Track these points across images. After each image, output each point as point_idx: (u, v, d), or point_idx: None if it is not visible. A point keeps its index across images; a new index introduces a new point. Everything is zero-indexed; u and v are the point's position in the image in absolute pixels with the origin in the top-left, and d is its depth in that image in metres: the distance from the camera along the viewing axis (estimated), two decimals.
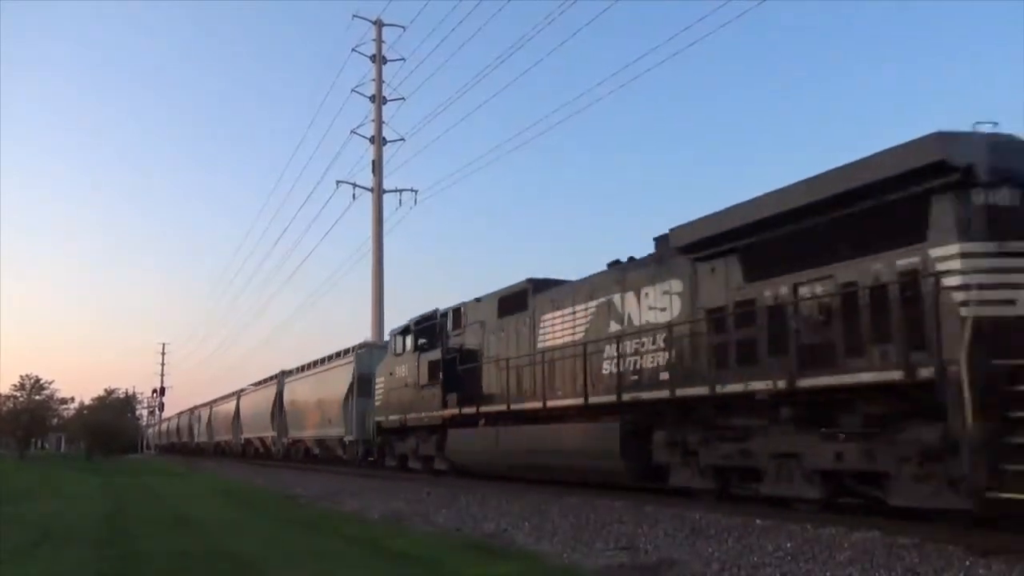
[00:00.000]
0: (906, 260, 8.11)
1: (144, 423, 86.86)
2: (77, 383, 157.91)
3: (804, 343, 8.97)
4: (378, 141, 37.32)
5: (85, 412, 59.02)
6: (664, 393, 10.86)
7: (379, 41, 37.78)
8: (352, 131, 37.57)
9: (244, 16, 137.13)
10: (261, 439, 35.24)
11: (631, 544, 7.70)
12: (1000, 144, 7.90)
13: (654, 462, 11.44)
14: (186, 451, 61.16)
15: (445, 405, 17.09)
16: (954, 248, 7.67)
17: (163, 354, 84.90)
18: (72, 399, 57.83)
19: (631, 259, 12.95)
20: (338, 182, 37.09)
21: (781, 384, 8.91)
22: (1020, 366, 7.08)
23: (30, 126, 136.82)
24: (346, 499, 14.32)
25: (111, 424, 55.31)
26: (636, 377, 11.84)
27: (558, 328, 14.19)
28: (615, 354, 12.26)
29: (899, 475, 7.94)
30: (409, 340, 19.53)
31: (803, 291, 9.23)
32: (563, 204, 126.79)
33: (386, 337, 23.38)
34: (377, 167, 37.35)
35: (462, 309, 18.04)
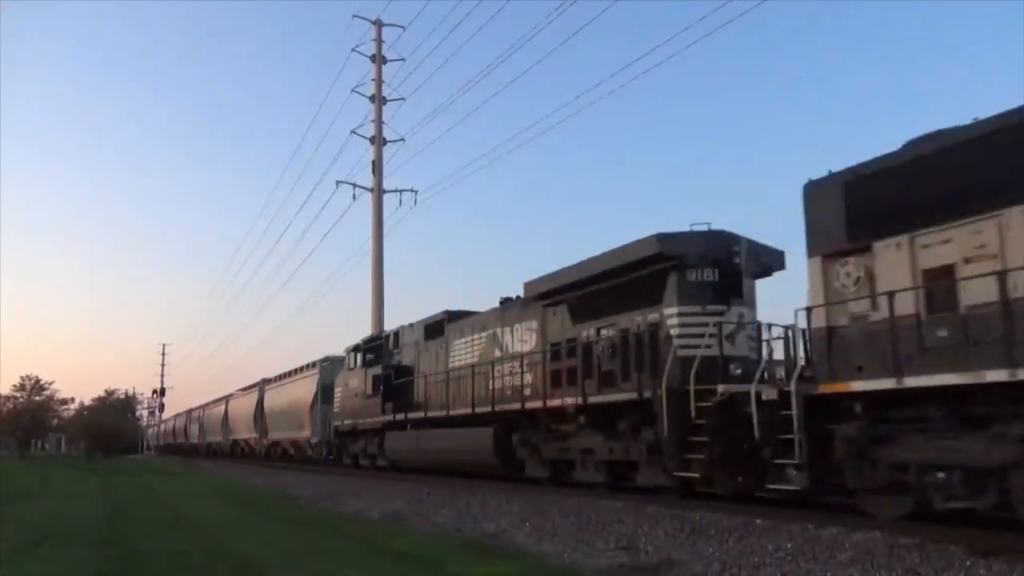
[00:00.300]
0: (652, 316, 11.91)
1: (144, 424, 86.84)
2: (77, 384, 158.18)
3: (604, 370, 12.62)
4: (378, 141, 37.31)
5: (85, 413, 59.03)
6: (517, 405, 14.50)
7: (379, 41, 37.76)
8: (352, 131, 37.55)
9: (244, 16, 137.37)
10: (246, 440, 38.06)
11: (631, 544, 7.70)
12: (704, 237, 11.49)
13: (516, 457, 14.89)
14: (181, 451, 61.58)
15: (384, 412, 20.18)
16: (674, 310, 11.55)
17: (163, 355, 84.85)
18: (72, 400, 57.92)
19: (512, 299, 16.25)
20: (338, 182, 37.06)
21: (580, 400, 12.72)
22: (705, 389, 10.32)
23: (30, 126, 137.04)
24: (346, 499, 14.31)
25: (111, 425, 55.35)
26: (509, 392, 15.14)
27: (461, 352, 17.66)
28: (493, 375, 15.69)
29: (642, 463, 11.68)
30: (359, 357, 22.62)
31: (603, 333, 12.96)
32: (563, 204, 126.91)
33: (333, 352, 26.83)
34: (377, 167, 37.32)
35: (400, 332, 21.33)
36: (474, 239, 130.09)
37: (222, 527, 10.67)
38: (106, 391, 73.81)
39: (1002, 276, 7.19)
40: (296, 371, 31.11)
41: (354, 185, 36.99)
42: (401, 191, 37.08)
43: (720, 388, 10.14)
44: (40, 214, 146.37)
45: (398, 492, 14.86)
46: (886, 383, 8.02)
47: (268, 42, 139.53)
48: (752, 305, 11.79)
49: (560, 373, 13.72)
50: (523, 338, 15.31)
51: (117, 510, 13.76)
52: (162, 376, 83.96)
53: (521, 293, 15.59)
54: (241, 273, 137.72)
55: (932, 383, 7.70)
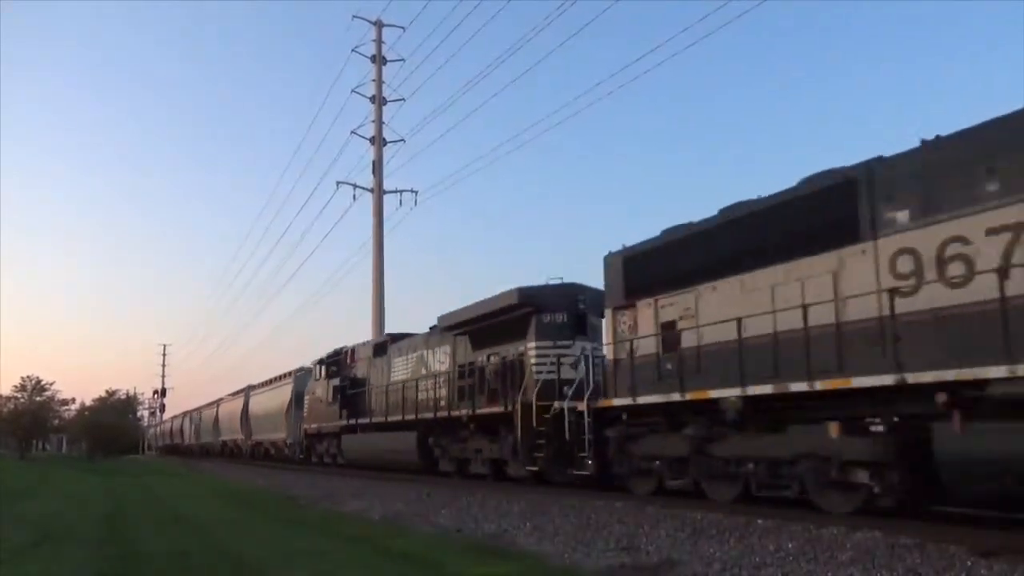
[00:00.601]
0: (520, 347, 15.28)
1: (145, 424, 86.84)
2: (78, 384, 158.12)
3: (491, 387, 15.90)
4: (378, 142, 37.30)
5: (86, 413, 59.03)
6: (431, 415, 18.04)
7: (379, 42, 37.75)
8: (352, 132, 37.55)
9: (244, 17, 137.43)
10: (234, 441, 41.00)
11: (632, 545, 7.69)
12: (555, 289, 14.96)
13: (433, 456, 18.54)
14: (179, 452, 62.05)
15: (341, 417, 23.58)
16: (533, 344, 14.96)
17: (164, 355, 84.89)
18: (73, 400, 57.90)
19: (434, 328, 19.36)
20: (338, 183, 37.06)
21: (470, 411, 16.37)
22: (547, 404, 13.72)
23: (30, 126, 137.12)
24: (346, 500, 14.32)
25: (112, 425, 55.38)
26: (429, 404, 18.44)
27: (399, 369, 21.08)
28: (418, 389, 19.22)
29: (509, 460, 15.40)
30: (323, 369, 26.03)
31: (493, 359, 16.14)
32: (564, 204, 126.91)
33: (308, 363, 29.59)
34: (377, 168, 37.31)
35: (355, 349, 24.67)
36: (474, 239, 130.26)
37: (222, 527, 10.67)
38: (107, 392, 73.86)
39: (697, 330, 10.93)
40: (275, 379, 34.12)
41: (354, 186, 36.98)
42: (401, 191, 37.08)
43: (556, 404, 13.56)
44: (40, 214, 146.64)
45: (398, 493, 14.86)
46: (627, 400, 11.96)
47: (268, 43, 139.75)
48: (597, 339, 14.31)
49: (463, 389, 17.07)
50: (440, 360, 18.77)
51: (117, 510, 13.77)
52: (163, 376, 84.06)
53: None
54: (241, 273, 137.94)
55: (647, 401, 11.59)
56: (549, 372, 14.36)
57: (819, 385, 8.87)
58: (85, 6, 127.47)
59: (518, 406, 14.31)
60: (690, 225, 11.60)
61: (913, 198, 8.32)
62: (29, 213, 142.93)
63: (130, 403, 78.69)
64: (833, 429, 8.79)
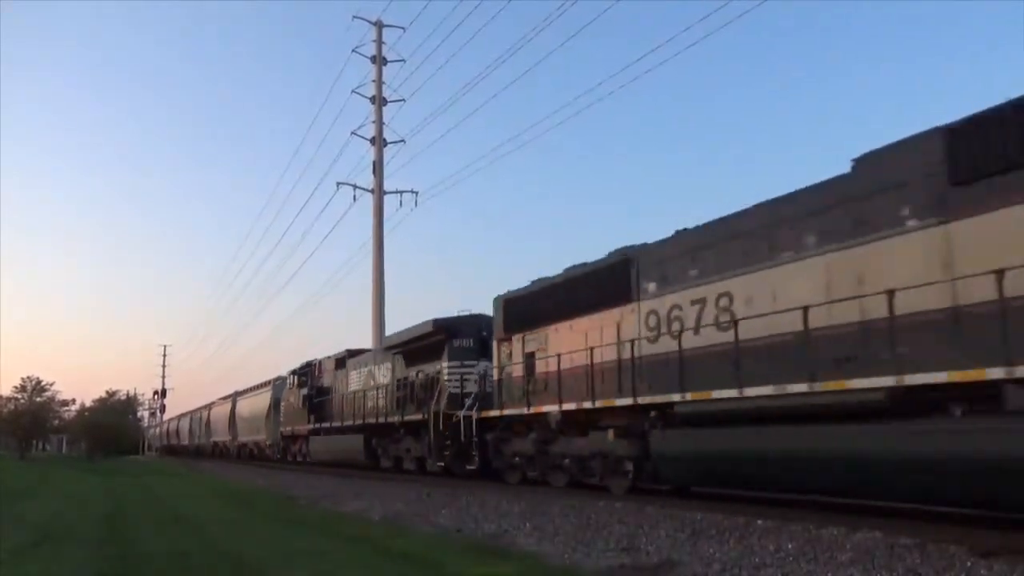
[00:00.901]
0: (438, 366, 18.59)
1: (145, 424, 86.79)
2: (78, 385, 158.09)
3: (418, 398, 19.26)
4: (378, 142, 37.29)
5: (86, 414, 59.01)
6: (374, 420, 21.84)
7: (379, 42, 37.75)
8: (352, 132, 37.56)
9: (244, 17, 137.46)
10: (224, 442, 44.02)
11: (632, 545, 7.69)
12: (465, 319, 18.28)
13: (377, 455, 22.17)
14: (175, 452, 62.53)
15: (309, 422, 27.46)
16: (446, 364, 18.18)
17: (164, 356, 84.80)
18: (73, 401, 57.88)
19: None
20: (338, 183, 37.04)
21: (401, 418, 19.90)
22: (451, 413, 16.90)
23: (30, 126, 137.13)
24: (346, 500, 14.31)
25: (112, 426, 55.39)
26: (374, 411, 22.00)
27: (354, 380, 24.56)
28: (366, 398, 22.89)
29: (427, 459, 18.74)
30: (296, 379, 29.93)
31: (419, 375, 19.62)
32: (564, 204, 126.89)
33: (282, 373, 33.84)
34: (377, 168, 37.29)
35: (322, 362, 28.34)
36: (474, 239, 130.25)
37: (222, 527, 10.67)
38: (107, 392, 73.82)
39: (546, 360, 14.29)
40: (258, 387, 37.30)
41: (354, 186, 36.96)
42: (401, 192, 37.06)
43: (456, 413, 16.75)
44: (40, 214, 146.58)
45: (398, 493, 14.86)
46: (498, 412, 15.68)
47: (268, 43, 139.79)
48: None
49: (399, 399, 20.50)
50: (384, 374, 22.10)
51: (117, 510, 13.76)
52: (163, 377, 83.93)
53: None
54: (241, 274, 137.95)
55: (510, 413, 15.29)
56: (455, 387, 17.63)
57: (599, 403, 12.49)
58: (85, 6, 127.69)
59: (431, 414, 17.77)
60: (544, 279, 15.16)
61: (657, 276, 11.91)
62: (29, 213, 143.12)
63: (130, 404, 78.67)
64: (610, 435, 12.47)
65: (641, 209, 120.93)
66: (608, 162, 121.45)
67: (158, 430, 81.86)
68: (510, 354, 15.73)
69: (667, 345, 11.28)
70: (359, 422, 22.64)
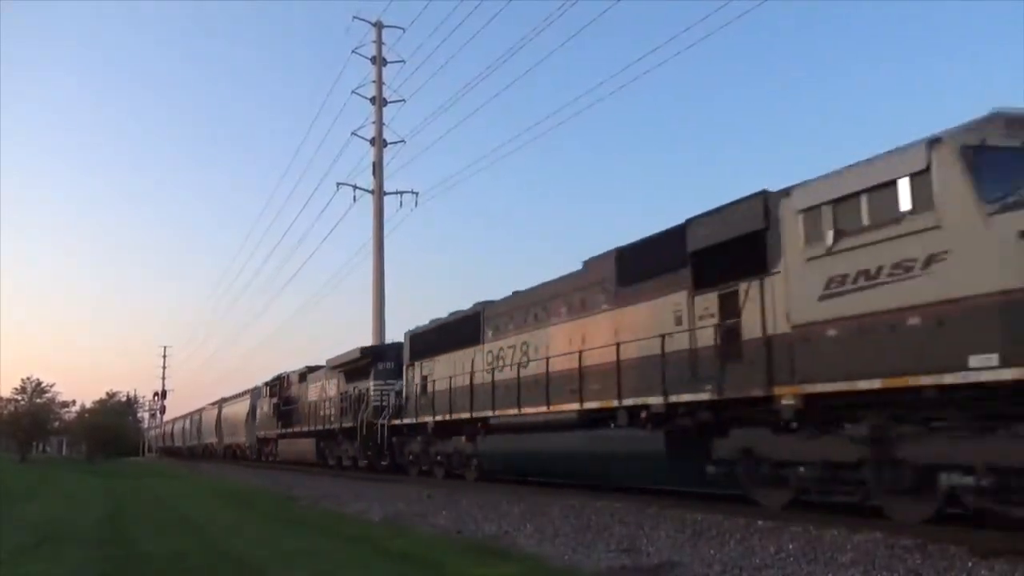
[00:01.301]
0: (367, 384, 22.70)
1: (145, 426, 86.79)
2: (78, 386, 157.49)
3: (353, 408, 23.14)
4: (378, 143, 37.28)
5: (86, 415, 58.97)
6: (322, 427, 26.34)
7: (379, 43, 37.74)
8: (352, 133, 37.55)
9: (245, 18, 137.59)
10: (212, 444, 47.91)
11: (632, 546, 7.69)
12: (387, 347, 23.81)
13: (325, 455, 26.63)
14: (171, 453, 63.30)
15: (278, 427, 32.31)
16: (371, 382, 22.52)
17: (164, 357, 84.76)
18: (73, 402, 57.81)
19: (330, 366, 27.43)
20: (338, 184, 37.02)
21: (340, 425, 24.40)
22: (397, 425, 20.66)
23: (30, 126, 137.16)
24: (347, 501, 14.31)
25: (112, 427, 55.36)
26: (324, 419, 26.40)
27: (311, 393, 29.05)
28: (319, 408, 27.32)
29: (358, 458, 23.78)
30: (268, 389, 34.81)
31: (355, 391, 23.29)
32: (564, 204, 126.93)
33: (258, 384, 38.58)
34: (377, 169, 37.27)
35: (289, 375, 32.97)
36: (474, 239, 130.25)
37: (223, 528, 10.67)
38: (107, 393, 73.86)
39: (433, 382, 18.35)
40: (239, 395, 41.65)
41: (354, 187, 36.95)
42: (402, 193, 37.05)
43: (376, 421, 21.56)
44: (40, 215, 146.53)
45: (399, 494, 14.86)
46: (401, 421, 20.24)
47: (268, 44, 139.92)
48: None
49: (341, 409, 24.51)
50: (332, 388, 26.17)
51: (118, 511, 13.76)
52: (163, 378, 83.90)
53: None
54: (242, 275, 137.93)
55: (407, 422, 19.80)
56: (378, 400, 21.91)
57: (454, 416, 17.04)
58: (85, 6, 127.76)
59: (359, 423, 22.56)
60: (436, 320, 19.47)
61: (493, 327, 16.26)
62: (29, 213, 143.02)
63: (130, 405, 78.72)
64: (462, 439, 17.11)
65: (642, 209, 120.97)
66: (609, 161, 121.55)
67: (158, 431, 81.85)
68: (412, 376, 20.09)
69: (488, 377, 15.85)
70: (313, 428, 27.63)
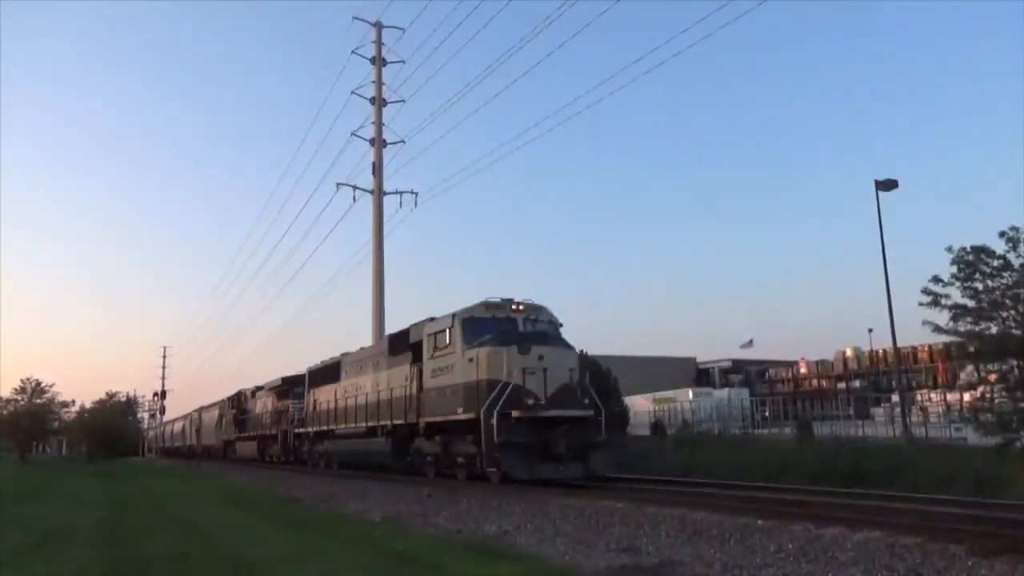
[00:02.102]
0: (288, 403, 30.36)
1: (145, 426, 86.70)
2: (78, 386, 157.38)
3: (279, 420, 31.76)
4: (378, 143, 37.26)
5: (86, 415, 58.90)
6: (263, 432, 33.93)
7: (379, 43, 37.72)
8: (352, 133, 37.53)
9: (244, 19, 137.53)
10: (193, 445, 53.73)
11: (633, 546, 7.70)
12: (299, 376, 29.17)
13: (265, 455, 33.30)
14: (169, 454, 65.05)
15: (235, 432, 39.11)
16: (291, 401, 30.05)
17: (164, 357, 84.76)
18: (73, 402, 57.67)
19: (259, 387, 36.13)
20: (338, 184, 36.98)
21: (273, 431, 32.16)
22: (299, 432, 28.44)
23: (30, 127, 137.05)
24: (347, 501, 14.31)
25: (112, 427, 55.28)
26: (264, 427, 33.39)
27: (258, 406, 35.30)
28: (262, 419, 34.28)
29: (281, 455, 31.43)
30: (229, 402, 41.20)
31: (282, 406, 31.40)
32: (563, 204, 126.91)
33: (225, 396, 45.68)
34: (377, 169, 37.25)
35: (246, 391, 38.57)
36: (474, 240, 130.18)
37: (223, 529, 10.67)
38: (107, 394, 73.60)
39: (315, 404, 26.01)
40: (212, 405, 48.86)
41: (354, 187, 36.91)
42: (401, 193, 37.06)
43: (289, 429, 28.85)
44: (40, 215, 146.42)
45: (399, 494, 14.85)
46: (301, 429, 27.62)
47: (268, 44, 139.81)
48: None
49: (273, 420, 31.60)
50: (269, 404, 33.01)
51: (118, 512, 13.76)
52: (163, 379, 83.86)
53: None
54: (242, 275, 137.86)
55: (300, 431, 27.74)
56: (293, 414, 28.75)
57: (320, 428, 24.64)
58: (86, 7, 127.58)
59: (280, 431, 30.24)
60: (324, 360, 25.78)
61: (345, 371, 22.86)
62: (29, 214, 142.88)
63: (130, 405, 78.50)
64: (326, 443, 24.55)
65: (640, 209, 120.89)
66: (610, 161, 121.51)
67: (159, 432, 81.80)
68: (309, 399, 26.60)
69: (339, 404, 22.71)
70: (256, 433, 34.97)
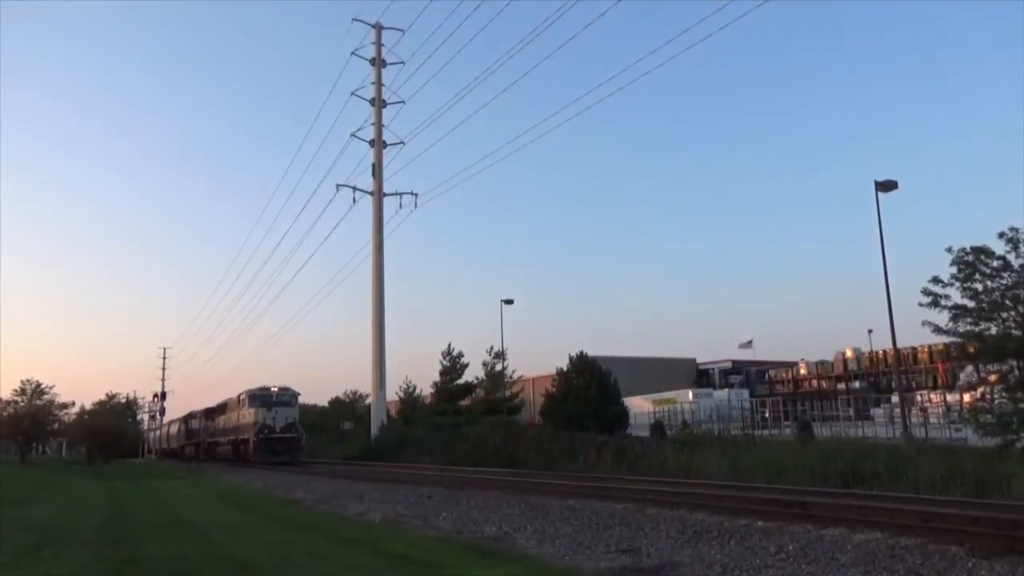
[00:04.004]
0: (207, 423, 47.79)
1: (145, 427, 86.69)
2: (78, 386, 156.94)
3: (203, 433, 49.06)
4: (378, 144, 37.30)
5: (85, 417, 58.93)
6: (194, 440, 51.12)
7: (379, 44, 37.77)
8: (352, 134, 37.60)
9: (244, 20, 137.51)
10: (168, 448, 63.61)
11: (633, 547, 7.69)
12: (220, 406, 43.16)
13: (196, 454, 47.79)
14: (166, 454, 66.67)
15: (185, 440, 51.37)
16: (211, 422, 47.13)
17: (164, 358, 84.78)
18: (72, 403, 57.70)
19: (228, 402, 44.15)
20: (338, 186, 37.12)
21: (194, 441, 49.89)
22: (209, 441, 46.17)
23: (30, 128, 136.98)
24: (347, 503, 14.30)
25: (111, 428, 55.32)
26: (199, 436, 48.96)
27: (194, 423, 50.25)
28: (198, 431, 49.58)
29: (202, 455, 46.81)
30: (184, 419, 53.97)
31: (205, 424, 48.20)
32: (565, 205, 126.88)
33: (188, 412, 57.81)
34: (377, 170, 37.31)
35: (193, 412, 51.08)
36: (474, 241, 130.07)
37: (223, 530, 10.66)
38: (107, 395, 73.72)
39: (221, 423, 42.09)
40: (176, 420, 61.17)
41: (354, 188, 37.03)
42: (401, 194, 37.13)
43: (206, 439, 46.05)
44: (41, 217, 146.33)
45: (399, 496, 14.85)
46: (210, 440, 44.89)
47: (267, 45, 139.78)
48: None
49: (203, 432, 45.83)
50: (201, 422, 46.06)
51: (118, 514, 13.75)
52: (163, 380, 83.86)
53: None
54: (242, 276, 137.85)
55: (210, 440, 45.97)
56: (207, 430, 43.08)
57: (216, 438, 42.33)
58: (86, 7, 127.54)
59: (201, 439, 43.93)
60: (227, 399, 40.07)
61: (230, 407, 40.01)
62: (30, 217, 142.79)
63: (130, 407, 78.58)
64: (218, 447, 41.54)
65: (641, 208, 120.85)
66: (610, 162, 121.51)
67: (157, 433, 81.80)
68: (217, 420, 38.92)
69: (223, 425, 38.79)
70: (191, 441, 48.16)
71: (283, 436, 32.21)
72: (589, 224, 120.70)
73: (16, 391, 48.96)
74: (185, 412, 68.52)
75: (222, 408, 41.18)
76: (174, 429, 61.00)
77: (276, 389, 34.10)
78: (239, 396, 36.54)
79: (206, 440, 44.09)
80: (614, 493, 12.61)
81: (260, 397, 33.66)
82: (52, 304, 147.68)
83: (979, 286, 14.60)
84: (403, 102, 37.68)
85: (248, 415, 33.87)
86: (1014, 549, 6.32)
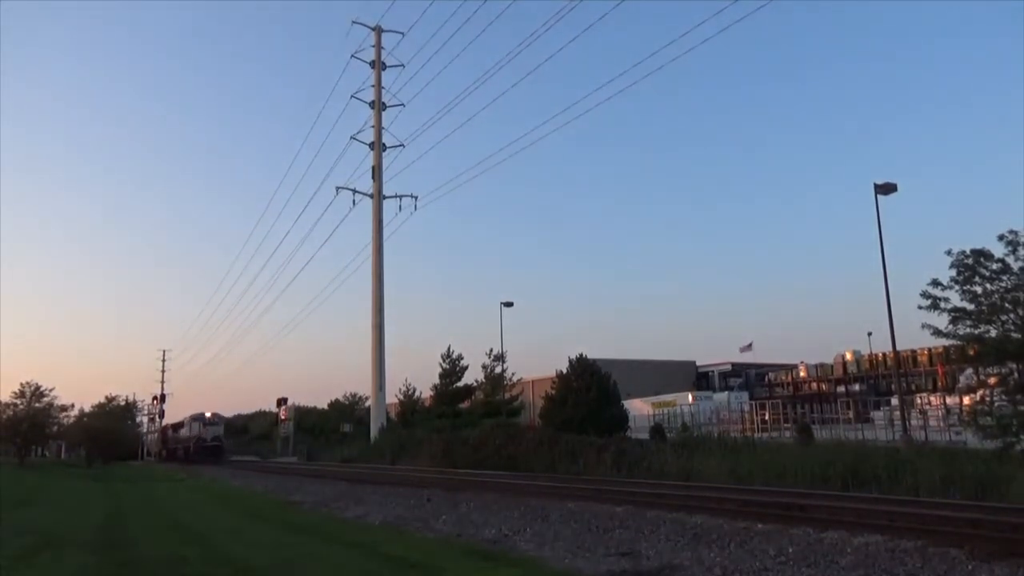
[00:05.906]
0: (173, 435, 69.25)
1: (145, 430, 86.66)
2: (78, 389, 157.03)
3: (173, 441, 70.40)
4: (377, 147, 37.32)
5: (85, 419, 58.90)
6: (168, 446, 70.00)
7: (378, 47, 37.82)
8: (352, 137, 37.63)
9: (243, 22, 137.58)
10: (151, 451, 75.85)
11: (633, 550, 7.69)
12: (182, 421, 65.32)
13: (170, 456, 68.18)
14: (163, 456, 71.24)
15: (163, 446, 69.72)
16: (178, 432, 68.80)
17: (163, 361, 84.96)
18: (72, 406, 57.66)
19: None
20: (338, 188, 37.14)
21: (169, 447, 69.74)
22: (171, 447, 67.91)
23: (30, 130, 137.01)
24: (347, 505, 14.29)
25: (111, 431, 55.34)
26: (171, 443, 69.74)
27: (169, 434, 70.42)
28: (170, 440, 70.52)
29: (169, 457, 69.90)
30: (161, 430, 73.44)
31: (175, 433, 70.16)
32: (565, 206, 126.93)
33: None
34: (377, 173, 37.32)
35: (168, 424, 72.08)
36: (475, 240, 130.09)
37: (223, 533, 10.66)
38: (106, 398, 73.72)
39: (181, 432, 63.82)
40: (155, 430, 75.36)
41: (354, 191, 37.05)
42: (401, 196, 37.14)
43: (172, 445, 66.63)
44: (41, 221, 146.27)
45: (399, 498, 14.84)
46: (175, 446, 66.65)
47: (267, 47, 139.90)
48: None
49: (175, 440, 64.24)
50: (170, 433, 66.72)
51: (117, 516, 13.74)
52: (162, 382, 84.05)
53: None
54: (242, 278, 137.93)
55: (172, 446, 68.02)
56: (170, 439, 64.70)
57: (182, 444, 62.18)
58: (86, 8, 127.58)
59: (170, 446, 63.66)
60: (181, 419, 63.28)
61: (183, 425, 63.13)
62: (31, 219, 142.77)
63: (129, 409, 78.56)
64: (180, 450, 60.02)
65: (640, 209, 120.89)
66: (610, 162, 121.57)
67: (158, 435, 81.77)
68: (180, 430, 57.14)
69: (184, 435, 57.87)
70: (166, 447, 62.21)
71: (211, 445, 52.09)
72: (589, 225, 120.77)
73: (15, 393, 48.89)
74: (185, 415, 70.29)
75: (179, 425, 61.59)
76: (156, 436, 76.71)
77: (209, 415, 55.12)
78: (186, 418, 58.75)
79: (170, 446, 62.36)
80: (614, 496, 12.61)
81: (199, 419, 54.72)
82: (52, 306, 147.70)
83: (979, 289, 14.60)
84: (403, 105, 37.78)
85: (192, 430, 54.71)
86: (1014, 552, 6.32)
